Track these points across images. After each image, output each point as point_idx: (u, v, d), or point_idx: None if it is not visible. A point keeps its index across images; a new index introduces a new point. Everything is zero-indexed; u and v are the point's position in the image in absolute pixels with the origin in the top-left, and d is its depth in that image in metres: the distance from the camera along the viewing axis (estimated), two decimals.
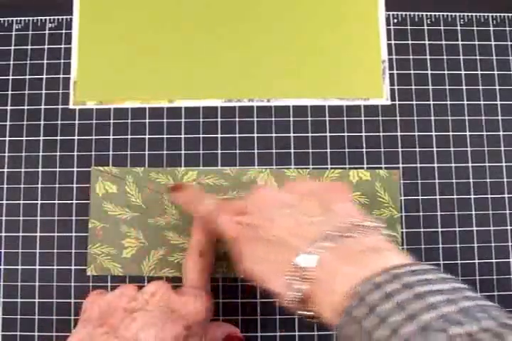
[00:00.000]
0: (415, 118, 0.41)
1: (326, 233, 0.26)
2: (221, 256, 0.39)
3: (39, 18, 0.42)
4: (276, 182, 0.39)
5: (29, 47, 0.42)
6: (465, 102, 0.41)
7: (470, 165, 0.41)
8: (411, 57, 0.42)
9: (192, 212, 0.35)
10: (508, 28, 0.43)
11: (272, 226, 0.28)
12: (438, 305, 0.21)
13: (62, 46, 0.42)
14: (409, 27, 0.42)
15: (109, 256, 0.39)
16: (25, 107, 0.41)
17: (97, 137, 0.41)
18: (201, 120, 0.41)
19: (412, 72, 0.42)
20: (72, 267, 0.39)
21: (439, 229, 0.40)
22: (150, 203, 0.39)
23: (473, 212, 0.40)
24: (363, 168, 0.40)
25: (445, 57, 0.42)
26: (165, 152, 0.40)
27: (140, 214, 0.39)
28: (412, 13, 0.43)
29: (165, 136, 0.41)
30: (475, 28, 0.43)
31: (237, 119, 0.41)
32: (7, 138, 0.41)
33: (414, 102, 0.41)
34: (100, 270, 0.39)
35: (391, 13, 0.43)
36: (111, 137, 0.41)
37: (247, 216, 0.30)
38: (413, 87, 0.42)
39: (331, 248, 0.26)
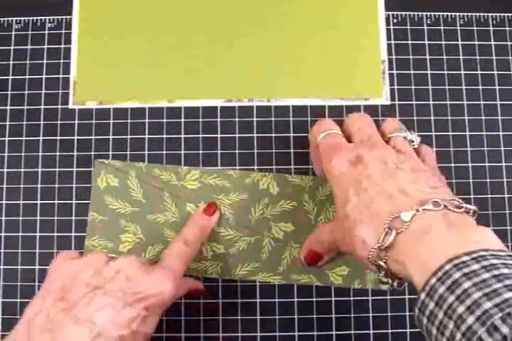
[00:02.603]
0: (415, 118, 0.41)
1: (434, 200, 0.28)
2: (216, 257, 0.39)
3: (39, 18, 0.42)
4: (279, 187, 0.39)
5: (29, 47, 0.42)
6: (465, 102, 0.41)
7: (470, 165, 0.41)
8: (411, 57, 0.42)
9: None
10: (507, 28, 0.43)
11: (385, 180, 0.30)
12: None
13: (62, 46, 0.42)
14: (409, 27, 0.42)
15: (105, 250, 0.39)
16: (25, 107, 0.41)
17: (96, 137, 0.41)
18: (201, 120, 0.41)
19: (411, 72, 0.42)
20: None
21: None
22: (150, 199, 0.39)
23: None
24: None
25: (445, 57, 0.42)
26: (164, 152, 0.40)
27: (140, 209, 0.39)
28: (412, 13, 0.43)
29: (164, 136, 0.41)
30: (475, 28, 0.43)
31: (237, 119, 0.41)
32: (7, 138, 0.41)
33: (414, 102, 0.41)
34: None
35: (391, 13, 0.43)
36: (111, 137, 0.41)
37: (362, 164, 0.31)
38: (413, 87, 0.42)
39: (434, 212, 0.27)
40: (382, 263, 0.28)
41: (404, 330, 0.38)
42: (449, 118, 0.41)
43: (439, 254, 0.25)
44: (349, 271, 0.38)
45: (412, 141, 0.34)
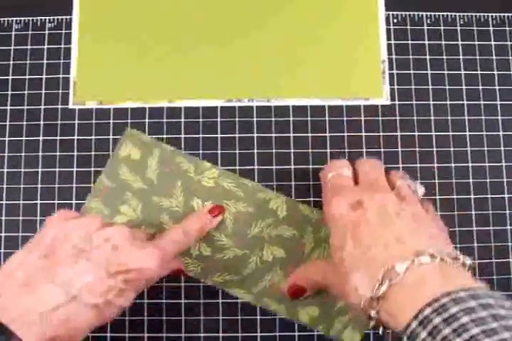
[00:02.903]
0: (415, 118, 0.41)
1: (429, 252, 0.28)
2: (200, 258, 0.39)
3: (39, 18, 0.42)
4: (287, 211, 0.39)
5: (29, 47, 0.42)
6: (465, 102, 0.41)
7: (470, 165, 0.41)
8: (411, 57, 0.42)
9: None
10: (508, 28, 0.43)
11: (383, 227, 0.30)
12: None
13: (62, 46, 0.42)
14: (409, 27, 0.42)
15: (100, 214, 0.39)
16: (25, 107, 0.41)
17: (96, 137, 0.41)
18: (201, 120, 0.41)
19: (411, 72, 0.42)
20: None
21: None
22: (162, 182, 0.39)
23: (473, 212, 0.40)
24: None
25: (445, 57, 0.42)
26: None
27: (148, 188, 0.39)
28: (412, 13, 0.43)
29: (165, 136, 0.41)
30: (475, 28, 0.43)
31: (237, 119, 0.41)
32: (7, 138, 0.41)
33: (414, 102, 0.41)
34: None
35: (391, 13, 0.43)
36: (111, 137, 0.41)
37: (362, 209, 0.31)
38: (413, 87, 0.42)
39: (429, 264, 0.27)
40: (373, 313, 0.28)
41: None
42: (449, 118, 0.41)
43: (431, 295, 0.25)
44: (319, 313, 0.38)
45: (415, 191, 0.34)
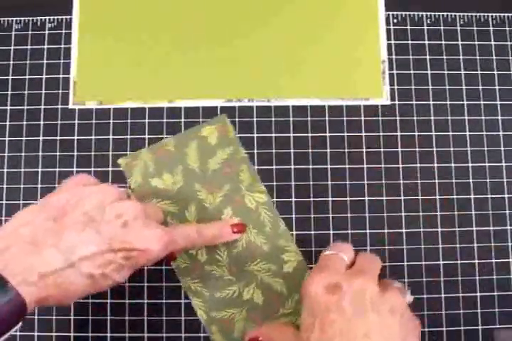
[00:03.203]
0: (415, 118, 0.41)
1: None
2: (191, 256, 0.39)
3: (39, 18, 0.42)
4: (293, 270, 0.38)
5: (29, 47, 0.42)
6: (465, 102, 0.41)
7: (470, 165, 0.41)
8: (411, 57, 0.42)
9: None
10: (508, 28, 0.43)
11: (354, 318, 0.29)
12: None
13: (62, 46, 0.42)
14: (409, 27, 0.42)
15: (141, 167, 0.39)
16: (25, 107, 0.41)
17: (96, 137, 0.41)
18: (201, 120, 0.41)
19: (411, 72, 0.42)
20: None
21: (439, 229, 0.40)
22: (215, 177, 0.39)
23: (473, 212, 0.40)
24: (362, 168, 0.40)
25: (445, 57, 0.42)
26: None
27: (199, 173, 0.39)
28: (412, 13, 0.43)
29: (165, 136, 0.41)
30: (475, 28, 0.43)
31: (237, 119, 0.41)
32: (7, 138, 0.41)
33: (414, 102, 0.41)
34: None
35: (391, 13, 0.43)
36: (111, 137, 0.41)
37: (338, 294, 0.29)
38: (413, 87, 0.42)
39: None
40: None
41: None
42: (449, 118, 0.41)
43: None
44: None
45: (404, 295, 0.32)
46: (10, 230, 0.29)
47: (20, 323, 0.27)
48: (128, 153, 0.40)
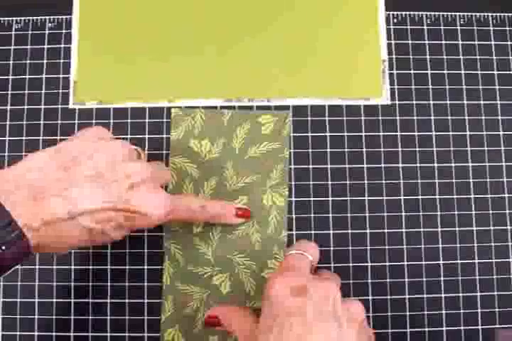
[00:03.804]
0: (415, 118, 0.41)
1: None
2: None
3: (39, 18, 0.42)
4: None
5: (29, 47, 0.42)
6: (465, 102, 0.41)
7: (470, 165, 0.41)
8: (411, 57, 0.42)
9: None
10: (508, 28, 0.43)
11: (314, 326, 0.28)
12: None
13: (62, 46, 0.42)
14: (409, 27, 0.42)
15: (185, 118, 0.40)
16: (25, 107, 0.41)
17: None
18: None
19: (412, 71, 0.42)
20: (72, 267, 0.39)
21: (439, 229, 0.40)
22: (257, 162, 0.40)
23: (473, 212, 0.40)
24: (362, 168, 0.40)
25: (445, 57, 0.42)
26: (164, 152, 0.40)
27: (240, 152, 0.40)
28: (412, 13, 0.43)
29: (164, 136, 0.41)
30: (475, 28, 0.43)
31: None
32: (7, 138, 0.41)
33: (414, 102, 0.41)
34: None
35: (391, 12, 0.43)
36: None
37: (302, 298, 0.29)
38: (413, 87, 0.42)
39: None
40: None
41: (403, 330, 0.38)
42: (449, 118, 0.41)
43: None
44: None
45: None
46: (20, 173, 0.29)
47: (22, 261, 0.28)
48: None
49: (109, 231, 0.30)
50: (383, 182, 0.40)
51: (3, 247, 0.26)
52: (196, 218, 0.36)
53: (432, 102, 0.41)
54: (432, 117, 0.41)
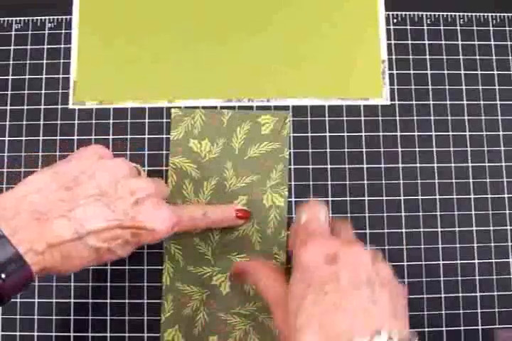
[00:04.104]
0: (415, 118, 0.41)
1: (388, 334, 0.27)
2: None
3: (38, 18, 0.42)
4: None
5: (29, 47, 0.42)
6: (465, 102, 0.41)
7: (470, 165, 0.41)
8: (411, 57, 0.42)
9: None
10: (508, 28, 0.43)
11: (349, 292, 0.28)
12: None
13: (62, 46, 0.42)
14: (409, 27, 0.42)
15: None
16: (25, 107, 0.41)
17: (96, 137, 0.41)
18: None
19: (411, 72, 0.42)
20: None
21: (439, 229, 0.40)
22: (254, 162, 0.40)
23: (473, 212, 0.40)
24: (362, 168, 0.40)
25: (445, 57, 0.42)
26: (164, 152, 0.40)
27: (239, 153, 0.40)
28: (412, 13, 0.43)
29: (164, 136, 0.41)
30: (475, 28, 0.43)
31: None
32: (7, 138, 0.41)
33: (414, 102, 0.41)
34: None
35: (391, 13, 0.43)
36: (111, 137, 0.41)
37: (336, 265, 0.29)
38: (413, 87, 0.42)
39: None
40: None
41: None
42: (449, 118, 0.41)
43: None
44: None
45: None
46: (20, 196, 0.28)
47: (23, 290, 0.28)
48: (128, 153, 0.40)
49: (116, 248, 0.30)
50: (383, 182, 0.40)
51: (3, 276, 0.26)
52: (198, 226, 0.36)
53: (431, 102, 0.41)
54: (432, 117, 0.41)
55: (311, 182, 0.40)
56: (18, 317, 0.38)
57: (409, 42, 0.42)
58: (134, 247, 0.31)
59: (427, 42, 0.42)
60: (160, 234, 0.31)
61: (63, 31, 0.42)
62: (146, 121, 0.41)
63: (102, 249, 0.29)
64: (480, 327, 0.39)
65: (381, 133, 0.41)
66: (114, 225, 0.29)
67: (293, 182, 0.40)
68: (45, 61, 0.42)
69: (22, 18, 0.42)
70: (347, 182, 0.40)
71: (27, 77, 0.42)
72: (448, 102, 0.41)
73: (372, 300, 0.28)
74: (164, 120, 0.41)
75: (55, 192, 0.28)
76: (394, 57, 0.42)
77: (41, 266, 0.27)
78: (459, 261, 0.39)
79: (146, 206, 0.30)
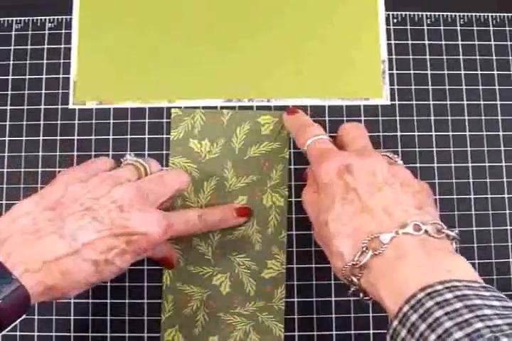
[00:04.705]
0: (415, 118, 0.41)
1: (415, 223, 0.28)
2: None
3: (39, 18, 0.42)
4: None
5: (29, 47, 0.42)
6: (465, 102, 0.41)
7: (470, 165, 0.41)
8: (411, 57, 0.42)
9: (297, 142, 0.36)
10: (508, 28, 0.43)
11: (371, 196, 0.30)
12: (488, 318, 0.22)
13: (62, 46, 0.42)
14: (409, 27, 0.42)
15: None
16: (25, 107, 0.41)
17: (96, 137, 0.41)
18: None
19: (411, 72, 0.42)
20: None
21: None
22: (254, 161, 0.40)
23: (473, 212, 0.40)
24: None
25: (445, 57, 0.42)
26: (164, 152, 0.40)
27: (239, 152, 0.40)
28: (412, 13, 0.43)
29: (164, 136, 0.41)
30: (475, 28, 0.43)
31: None
32: (7, 138, 0.41)
33: (414, 102, 0.41)
34: None
35: (391, 13, 0.43)
36: (111, 137, 0.41)
37: (351, 175, 0.30)
38: (413, 87, 0.42)
39: (413, 237, 0.28)
40: (355, 279, 0.29)
41: None
42: (449, 118, 0.41)
43: (411, 282, 0.26)
44: None
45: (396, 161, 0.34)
46: (9, 221, 0.29)
47: (23, 316, 0.28)
48: (128, 152, 0.40)
49: (113, 259, 0.30)
50: None
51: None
52: (198, 229, 0.36)
53: (431, 102, 0.41)
54: (432, 117, 0.41)
55: None
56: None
57: (409, 42, 0.42)
58: (134, 257, 0.31)
59: (427, 42, 0.42)
60: (154, 237, 0.31)
61: (63, 31, 0.42)
62: (146, 121, 0.41)
63: (99, 261, 0.29)
64: None
65: (381, 133, 0.41)
66: (105, 235, 0.29)
67: (293, 182, 0.40)
68: (45, 61, 0.42)
69: (22, 18, 0.42)
70: None
71: (27, 77, 0.42)
72: (448, 102, 0.41)
73: (395, 197, 0.30)
74: (164, 120, 0.41)
75: (43, 214, 0.29)
76: (394, 57, 0.42)
77: (43, 286, 0.27)
78: None
79: (133, 212, 0.31)
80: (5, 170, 0.40)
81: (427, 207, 0.30)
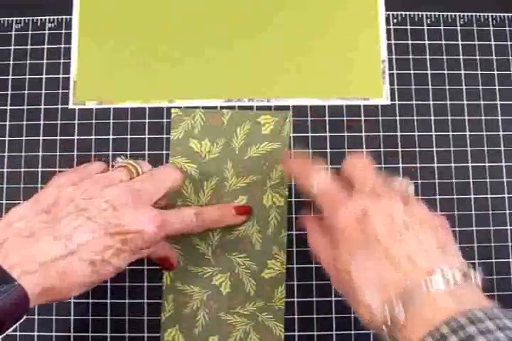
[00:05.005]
0: (415, 118, 0.41)
1: (442, 270, 0.27)
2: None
3: (39, 18, 0.42)
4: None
5: (29, 47, 0.42)
6: (465, 102, 0.41)
7: (470, 165, 0.41)
8: (411, 57, 0.42)
9: (301, 187, 0.34)
10: (508, 28, 0.43)
11: (393, 243, 0.28)
12: None
13: (62, 46, 0.42)
14: (409, 27, 0.42)
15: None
16: (25, 107, 0.41)
17: (96, 137, 0.41)
18: None
19: (411, 72, 0.42)
20: None
21: None
22: (255, 162, 0.40)
23: (473, 212, 0.40)
24: None
25: (445, 57, 0.42)
26: (165, 152, 0.40)
27: (239, 152, 0.40)
28: (412, 13, 0.43)
29: (164, 136, 0.41)
30: (475, 28, 0.43)
31: None
32: (7, 138, 0.41)
33: (414, 102, 0.41)
34: None
35: (391, 13, 0.43)
36: (111, 137, 0.41)
37: (369, 221, 0.29)
38: (413, 87, 0.42)
39: (439, 283, 0.27)
40: (384, 327, 0.27)
41: None
42: (449, 118, 0.41)
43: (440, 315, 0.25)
44: None
45: (407, 190, 0.32)
46: (4, 225, 0.29)
47: (24, 317, 0.28)
48: (128, 152, 0.40)
49: (111, 259, 0.30)
50: None
51: None
52: (196, 226, 0.35)
53: (431, 102, 0.41)
54: (432, 117, 0.41)
55: None
56: None
57: (409, 42, 0.42)
58: (131, 255, 0.31)
59: (427, 42, 0.42)
60: (149, 234, 0.31)
61: (63, 31, 0.42)
62: (146, 121, 0.41)
63: (96, 261, 0.29)
64: None
65: (381, 133, 0.41)
66: (100, 234, 0.29)
67: (293, 182, 0.40)
68: (45, 61, 0.42)
69: (22, 18, 0.42)
70: None
71: (27, 77, 0.42)
72: (448, 102, 0.41)
73: (417, 242, 0.28)
74: (164, 120, 0.41)
75: (37, 216, 0.30)
76: (394, 57, 0.42)
77: (41, 287, 0.28)
78: None
79: (126, 210, 0.31)
80: (5, 170, 0.40)
81: (449, 243, 0.29)
